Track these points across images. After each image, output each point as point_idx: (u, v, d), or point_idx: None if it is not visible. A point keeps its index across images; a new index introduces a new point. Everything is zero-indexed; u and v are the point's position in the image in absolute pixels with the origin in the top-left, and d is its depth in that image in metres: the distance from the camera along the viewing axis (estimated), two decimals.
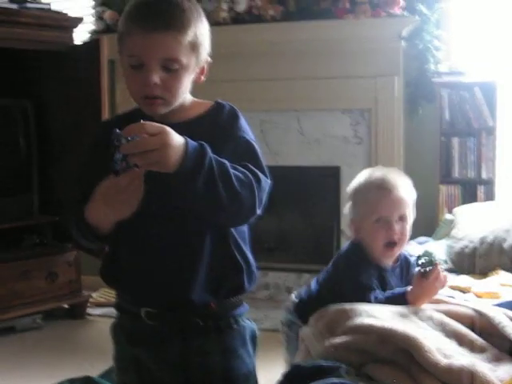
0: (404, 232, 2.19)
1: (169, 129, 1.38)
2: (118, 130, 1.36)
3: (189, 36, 1.51)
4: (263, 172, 1.50)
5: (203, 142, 1.42)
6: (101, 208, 1.48)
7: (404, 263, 2.30)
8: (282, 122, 4.40)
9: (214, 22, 4.32)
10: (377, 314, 1.94)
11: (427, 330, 1.92)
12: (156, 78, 1.49)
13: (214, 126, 1.54)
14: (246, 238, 1.63)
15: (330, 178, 4.38)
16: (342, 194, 4.18)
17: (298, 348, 2.09)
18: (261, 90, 4.34)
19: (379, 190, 2.19)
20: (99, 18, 4.63)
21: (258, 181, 1.47)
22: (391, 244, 2.18)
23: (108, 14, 4.56)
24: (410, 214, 2.22)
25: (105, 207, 1.47)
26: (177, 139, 1.38)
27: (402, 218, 2.19)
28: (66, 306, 4.27)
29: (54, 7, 4.21)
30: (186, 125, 1.53)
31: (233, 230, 1.58)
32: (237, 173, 1.44)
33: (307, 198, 4.58)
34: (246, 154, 1.52)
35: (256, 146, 1.56)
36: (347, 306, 1.99)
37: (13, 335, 3.90)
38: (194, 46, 1.53)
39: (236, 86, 4.35)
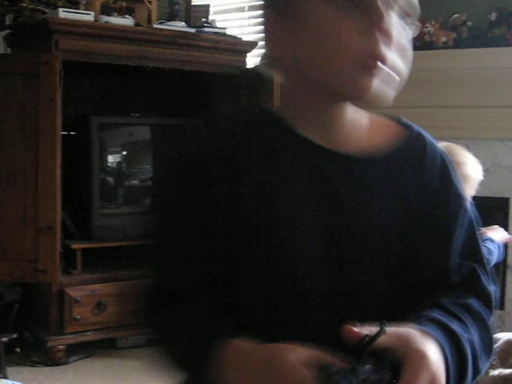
0: None
1: (428, 355, 0.82)
2: (361, 368, 0.78)
3: None
4: (488, 273, 1.02)
5: (459, 337, 0.91)
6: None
7: None
8: None
9: None
10: None
11: None
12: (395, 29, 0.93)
13: (420, 177, 1.02)
14: None
15: (498, 210, 4.24)
16: (511, 228, 4.05)
17: None
18: (429, 118, 4.28)
19: None
20: None
21: (490, 308, 1.00)
22: None
23: None
24: None
25: None
26: (438, 363, 0.84)
27: None
28: None
29: (229, 32, 4.36)
30: (373, 164, 1.01)
31: None
32: (480, 344, 0.94)
33: None
34: (470, 246, 1.02)
35: (472, 218, 1.05)
36: None
37: None
38: None
39: (404, 112, 4.32)
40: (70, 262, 3.79)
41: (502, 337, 1.95)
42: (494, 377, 1.84)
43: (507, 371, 1.84)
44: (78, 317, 3.71)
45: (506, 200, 4.16)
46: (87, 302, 3.75)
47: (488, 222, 4.33)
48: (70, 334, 3.71)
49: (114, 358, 3.81)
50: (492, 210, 4.28)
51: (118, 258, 4.15)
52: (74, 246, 3.82)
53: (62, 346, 3.68)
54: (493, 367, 1.87)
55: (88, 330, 3.77)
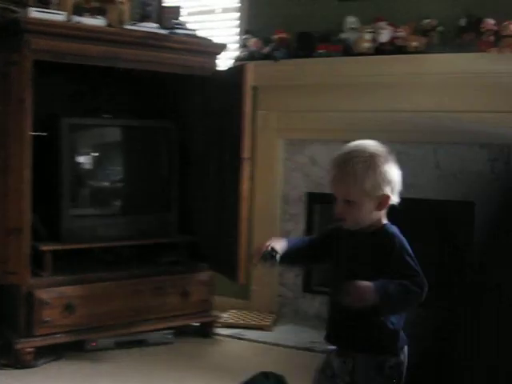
0: (348, 213, 2.11)
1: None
2: None
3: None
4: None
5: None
6: None
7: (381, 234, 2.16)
8: (418, 155, 4.36)
9: (356, 53, 4.36)
10: None
11: None
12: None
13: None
14: None
15: (463, 213, 4.28)
16: (476, 231, 4.10)
17: None
18: (399, 121, 4.33)
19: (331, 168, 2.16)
20: (243, 45, 4.76)
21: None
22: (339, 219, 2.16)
23: (252, 42, 4.69)
24: (362, 199, 2.10)
25: None
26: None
27: (348, 201, 2.10)
28: (196, 324, 4.37)
29: (199, 34, 4.35)
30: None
31: None
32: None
33: (438, 233, 4.50)
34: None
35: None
36: None
37: (144, 348, 4.02)
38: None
39: (376, 116, 4.36)
40: (40, 263, 3.76)
41: None
42: None
43: None
44: (47, 319, 3.68)
45: (471, 204, 4.20)
46: (56, 304, 3.73)
47: (454, 227, 4.39)
48: (39, 337, 3.68)
49: (83, 360, 3.79)
50: (458, 213, 4.33)
51: (87, 260, 4.14)
52: (44, 247, 3.79)
53: (30, 349, 3.65)
54: None
55: (57, 333, 3.75)
